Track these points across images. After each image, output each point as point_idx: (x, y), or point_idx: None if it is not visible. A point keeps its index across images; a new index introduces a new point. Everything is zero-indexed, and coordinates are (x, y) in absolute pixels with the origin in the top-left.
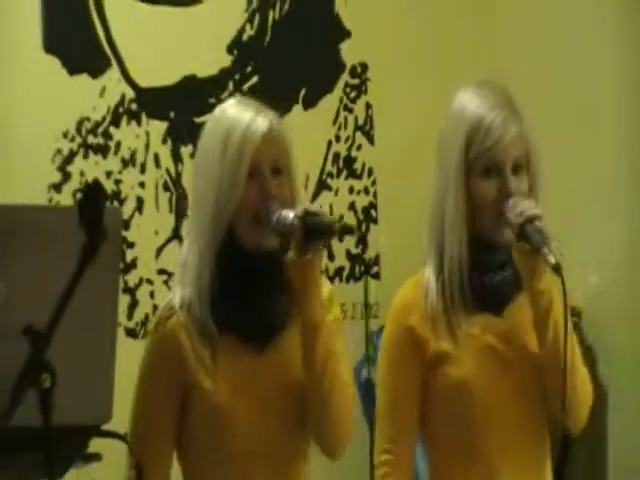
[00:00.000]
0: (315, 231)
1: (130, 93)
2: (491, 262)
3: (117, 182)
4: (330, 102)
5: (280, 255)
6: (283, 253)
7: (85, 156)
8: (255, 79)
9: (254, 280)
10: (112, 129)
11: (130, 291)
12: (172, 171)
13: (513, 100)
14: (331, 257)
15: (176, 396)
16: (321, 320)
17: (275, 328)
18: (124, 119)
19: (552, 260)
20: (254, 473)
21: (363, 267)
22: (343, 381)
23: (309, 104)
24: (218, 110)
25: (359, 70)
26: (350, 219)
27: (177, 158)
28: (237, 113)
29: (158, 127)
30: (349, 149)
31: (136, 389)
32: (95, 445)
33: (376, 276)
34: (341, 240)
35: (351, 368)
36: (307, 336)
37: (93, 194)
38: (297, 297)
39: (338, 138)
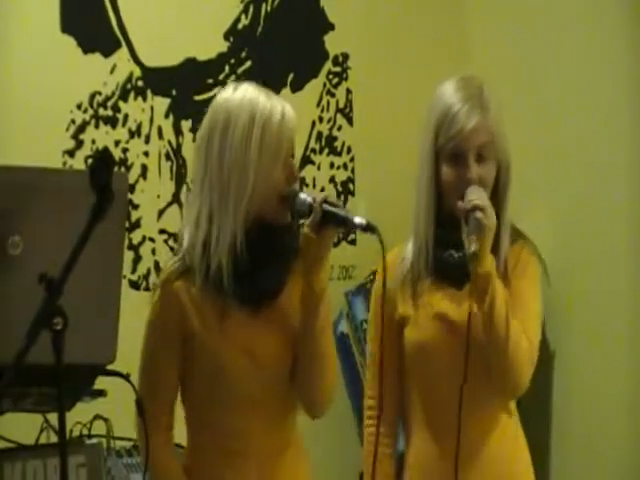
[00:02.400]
0: (333, 220)
1: (137, 72)
2: (454, 240)
3: (124, 150)
4: (314, 87)
5: (286, 231)
6: (289, 230)
7: (96, 126)
8: (248, 64)
9: (264, 252)
10: (121, 103)
11: (134, 248)
12: (173, 142)
13: (484, 93)
14: None
15: (178, 347)
16: (325, 290)
17: (269, 295)
18: (131, 94)
19: (470, 248)
20: (249, 419)
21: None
22: (333, 348)
23: (296, 88)
24: (243, 94)
25: (341, 59)
26: (330, 191)
27: (178, 131)
28: (268, 103)
29: (162, 103)
30: (331, 129)
31: (144, 338)
32: (100, 383)
33: (352, 242)
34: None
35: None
36: (311, 303)
37: (103, 160)
38: (306, 267)
39: (321, 119)
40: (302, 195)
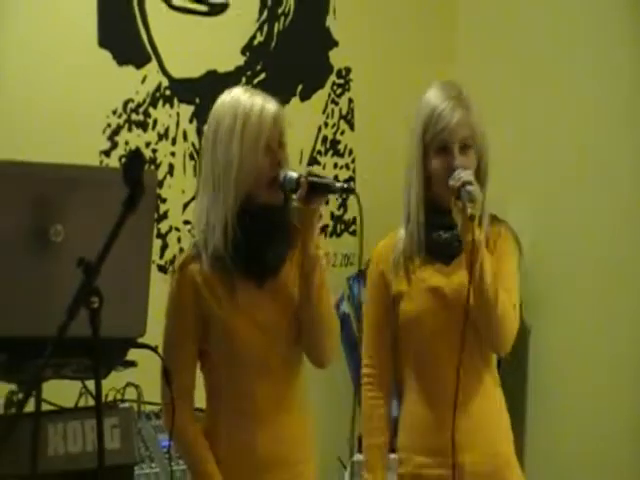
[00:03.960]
0: (318, 189)
1: (165, 82)
2: (441, 223)
3: (154, 151)
4: (321, 96)
5: (282, 211)
6: (284, 209)
7: (129, 129)
8: (263, 76)
9: (260, 232)
10: (151, 109)
11: (162, 236)
12: (196, 144)
13: (463, 94)
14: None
15: (195, 321)
16: (318, 255)
17: (271, 269)
18: (160, 102)
19: (467, 212)
20: (256, 381)
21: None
22: (331, 305)
23: (304, 97)
24: (230, 97)
25: (344, 72)
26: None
27: (201, 134)
28: (250, 100)
29: (186, 110)
30: (335, 133)
31: (166, 317)
32: (132, 354)
33: (353, 233)
34: (342, 197)
35: (332, 299)
36: (307, 267)
37: (135, 159)
38: (301, 237)
39: (326, 124)
40: (289, 173)
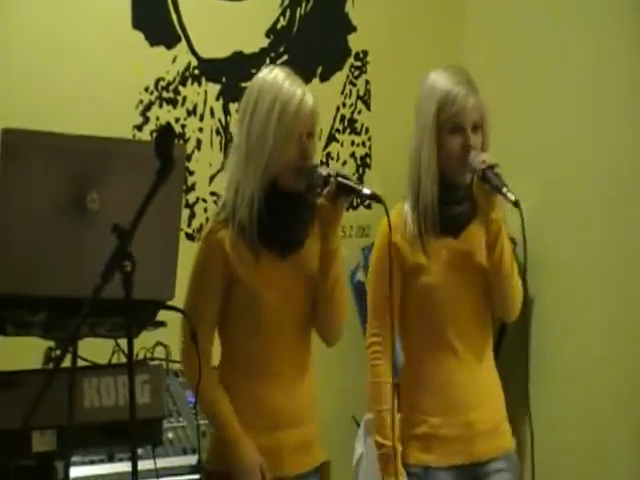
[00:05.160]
0: (345, 190)
1: (194, 62)
2: (453, 198)
3: (183, 126)
4: (339, 78)
5: (303, 196)
6: (305, 194)
7: (160, 106)
8: (285, 57)
9: (284, 210)
10: (180, 87)
11: (190, 206)
12: (223, 121)
13: (471, 78)
14: None
15: (220, 285)
16: (338, 249)
17: (294, 244)
18: (189, 80)
19: (512, 197)
20: (274, 343)
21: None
22: (345, 293)
23: (324, 78)
24: (272, 77)
25: (361, 55)
26: (350, 165)
27: (227, 112)
28: (291, 88)
29: (214, 88)
30: (352, 113)
31: (191, 279)
32: (161, 315)
33: (368, 207)
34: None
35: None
36: (328, 259)
37: (166, 133)
38: (323, 231)
39: (344, 104)
40: (319, 169)
